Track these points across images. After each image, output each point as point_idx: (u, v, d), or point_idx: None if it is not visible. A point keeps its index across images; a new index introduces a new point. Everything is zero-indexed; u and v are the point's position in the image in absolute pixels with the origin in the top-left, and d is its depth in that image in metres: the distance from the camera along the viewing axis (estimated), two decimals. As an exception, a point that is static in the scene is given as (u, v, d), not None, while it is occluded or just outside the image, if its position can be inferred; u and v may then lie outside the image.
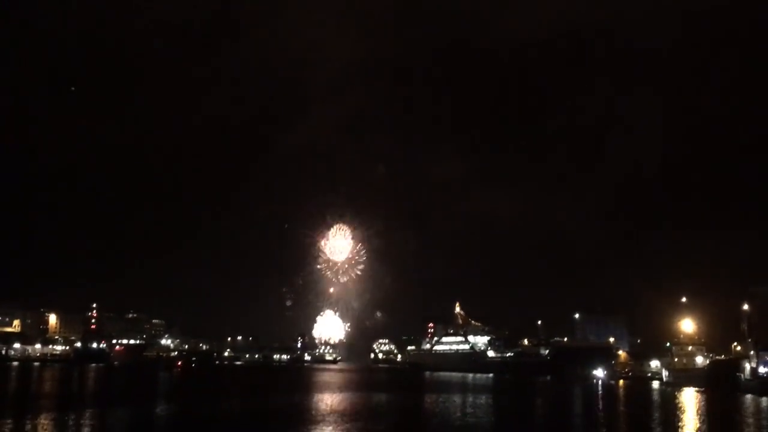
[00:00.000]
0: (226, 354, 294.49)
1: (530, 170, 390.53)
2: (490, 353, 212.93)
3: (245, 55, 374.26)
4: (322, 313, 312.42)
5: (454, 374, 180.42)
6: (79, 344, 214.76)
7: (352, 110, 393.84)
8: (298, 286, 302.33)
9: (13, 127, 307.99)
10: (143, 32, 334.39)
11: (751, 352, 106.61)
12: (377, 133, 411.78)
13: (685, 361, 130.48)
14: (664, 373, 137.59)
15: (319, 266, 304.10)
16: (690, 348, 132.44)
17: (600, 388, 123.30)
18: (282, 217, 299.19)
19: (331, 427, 49.44)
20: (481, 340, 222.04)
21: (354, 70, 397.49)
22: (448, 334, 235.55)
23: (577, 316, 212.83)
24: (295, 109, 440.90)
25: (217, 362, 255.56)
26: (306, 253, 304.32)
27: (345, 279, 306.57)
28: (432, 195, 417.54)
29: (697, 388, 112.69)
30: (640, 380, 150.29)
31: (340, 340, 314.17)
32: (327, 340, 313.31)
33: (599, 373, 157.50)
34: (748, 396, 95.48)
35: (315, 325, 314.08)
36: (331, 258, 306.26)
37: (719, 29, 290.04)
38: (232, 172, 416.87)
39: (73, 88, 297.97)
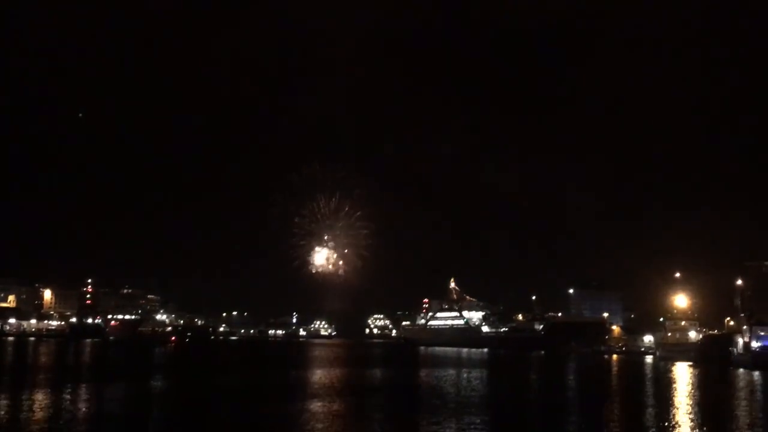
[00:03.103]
0: (221, 329, 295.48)
1: (528, 147, 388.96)
2: (485, 328, 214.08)
3: (249, 26, 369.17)
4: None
5: (448, 349, 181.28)
6: (74, 319, 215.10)
7: (358, 83, 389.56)
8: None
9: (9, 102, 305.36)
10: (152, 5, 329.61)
11: (744, 327, 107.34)
12: (382, 106, 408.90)
13: (678, 335, 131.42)
14: (658, 348, 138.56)
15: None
16: (683, 323, 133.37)
17: (593, 363, 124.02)
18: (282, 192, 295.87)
19: (325, 402, 49.49)
20: (475, 316, 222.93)
21: (361, 42, 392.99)
22: (442, 310, 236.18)
23: (571, 291, 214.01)
24: (300, 82, 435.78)
25: (212, 337, 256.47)
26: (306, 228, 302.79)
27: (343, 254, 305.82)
28: (431, 170, 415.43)
29: (689, 363, 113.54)
30: (633, 355, 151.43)
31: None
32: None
33: (593, 347, 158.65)
34: (741, 370, 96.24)
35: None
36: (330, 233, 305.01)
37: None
38: (232, 147, 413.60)
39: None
